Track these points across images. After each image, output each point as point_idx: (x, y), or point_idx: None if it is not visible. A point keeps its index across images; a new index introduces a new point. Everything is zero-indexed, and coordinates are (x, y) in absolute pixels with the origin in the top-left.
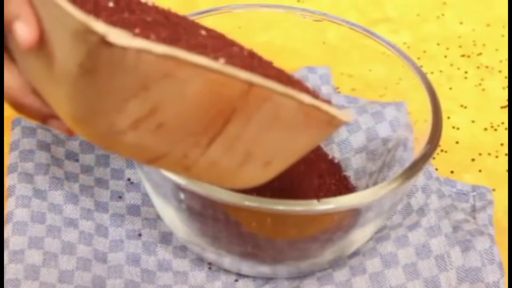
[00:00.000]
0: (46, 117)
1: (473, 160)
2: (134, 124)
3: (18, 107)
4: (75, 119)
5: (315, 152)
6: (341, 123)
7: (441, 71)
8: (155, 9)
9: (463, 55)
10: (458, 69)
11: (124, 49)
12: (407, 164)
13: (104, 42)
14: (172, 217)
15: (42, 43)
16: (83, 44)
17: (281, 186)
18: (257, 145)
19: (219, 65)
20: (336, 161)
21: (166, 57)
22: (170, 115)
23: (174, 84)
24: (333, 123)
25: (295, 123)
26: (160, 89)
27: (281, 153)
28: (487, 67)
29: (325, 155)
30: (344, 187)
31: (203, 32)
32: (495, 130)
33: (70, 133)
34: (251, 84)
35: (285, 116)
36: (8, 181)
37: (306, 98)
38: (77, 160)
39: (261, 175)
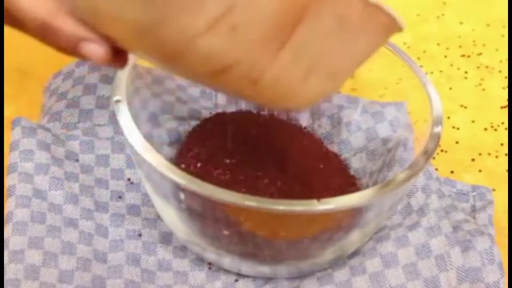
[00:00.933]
0: (79, 41)
1: (473, 160)
2: (210, 25)
3: (47, 33)
4: (142, 27)
5: (319, 151)
6: (399, 29)
7: (441, 71)
8: None
9: (463, 55)
10: (458, 69)
11: None
12: (407, 164)
13: None
14: (172, 217)
15: None
16: None
17: (283, 186)
18: (321, 51)
19: None
20: (339, 160)
21: None
22: (245, 15)
23: None
24: (392, 27)
25: (358, 25)
26: None
27: (341, 62)
28: (487, 67)
29: (328, 153)
30: (345, 188)
31: None
32: (495, 130)
33: (104, 61)
34: None
35: (349, 17)
36: (8, 181)
37: None
38: (77, 160)
39: (322, 89)
